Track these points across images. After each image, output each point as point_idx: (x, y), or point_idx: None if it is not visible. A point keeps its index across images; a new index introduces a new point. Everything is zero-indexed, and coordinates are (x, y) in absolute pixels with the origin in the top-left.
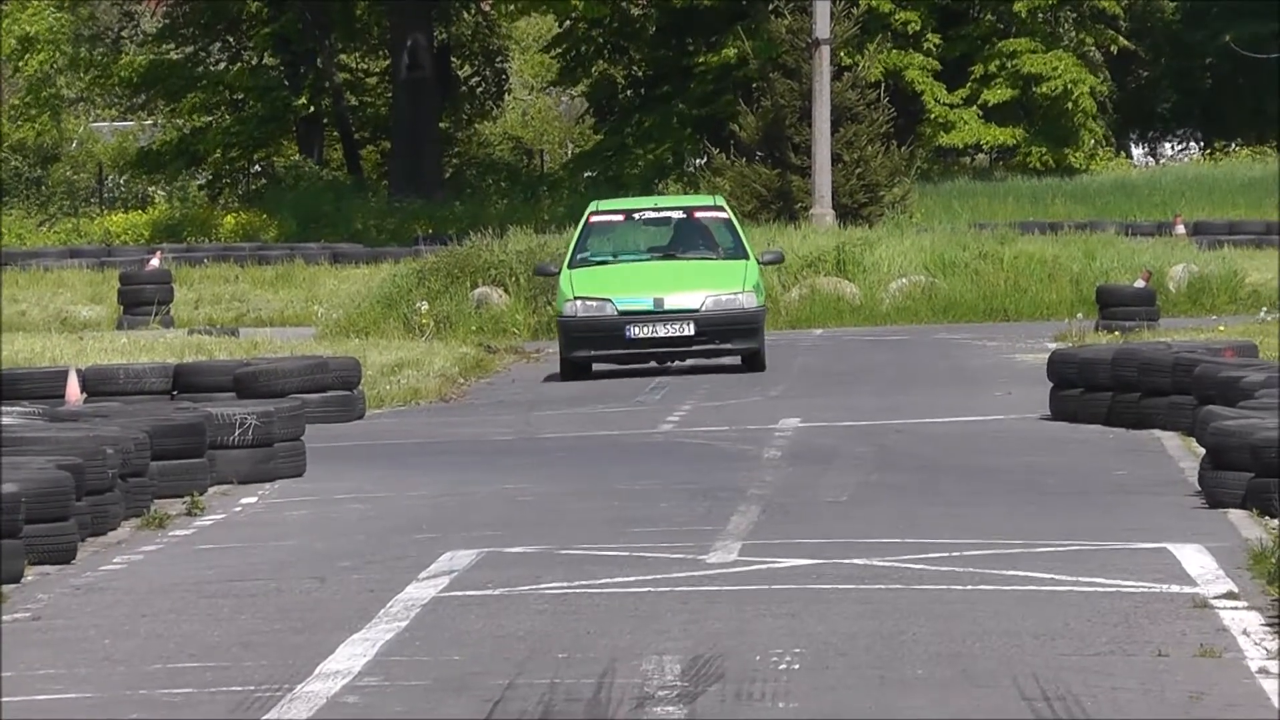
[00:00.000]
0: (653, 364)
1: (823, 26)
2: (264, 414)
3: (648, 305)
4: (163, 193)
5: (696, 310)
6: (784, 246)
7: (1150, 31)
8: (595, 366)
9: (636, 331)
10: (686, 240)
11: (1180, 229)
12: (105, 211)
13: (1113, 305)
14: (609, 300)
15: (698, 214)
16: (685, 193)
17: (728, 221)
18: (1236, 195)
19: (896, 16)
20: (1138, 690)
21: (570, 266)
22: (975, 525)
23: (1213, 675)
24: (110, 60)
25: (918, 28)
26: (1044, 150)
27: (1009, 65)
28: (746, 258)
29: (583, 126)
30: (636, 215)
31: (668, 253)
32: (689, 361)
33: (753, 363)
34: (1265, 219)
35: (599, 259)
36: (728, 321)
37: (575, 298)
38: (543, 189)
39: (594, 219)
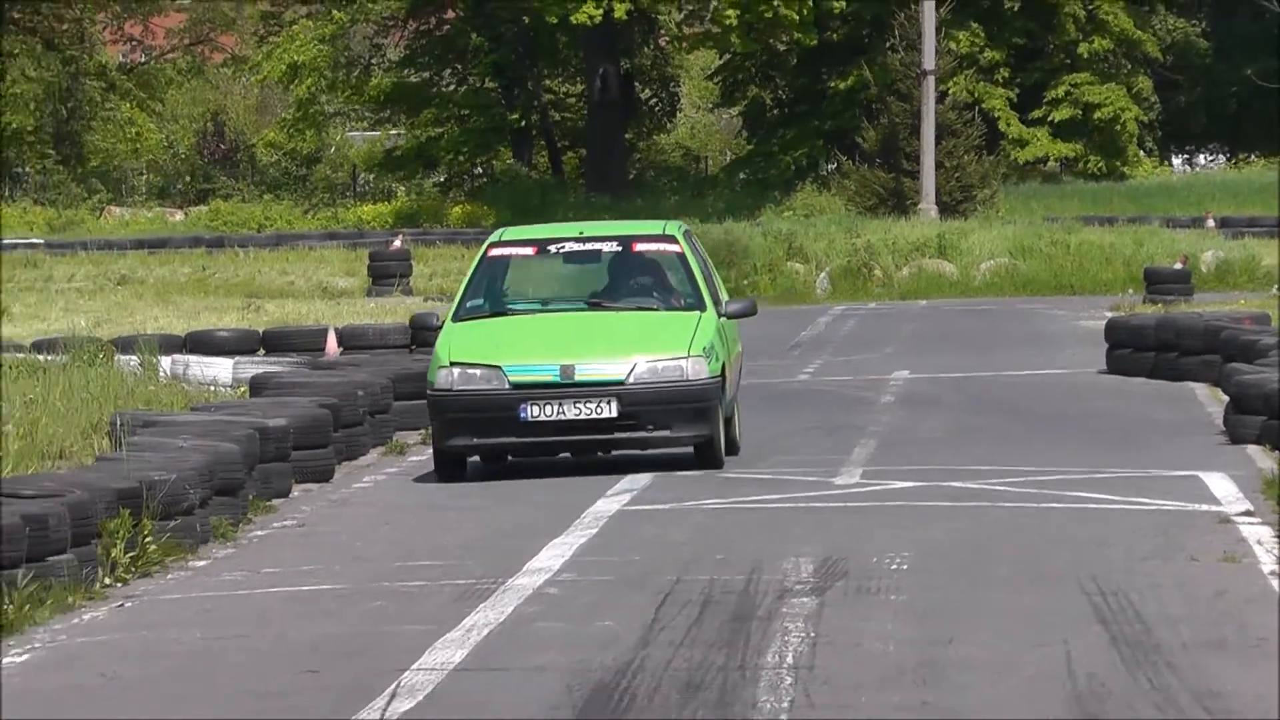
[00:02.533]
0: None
1: (929, 61)
2: None
3: (552, 375)
4: (403, 188)
5: (621, 383)
6: (897, 236)
7: (1188, 66)
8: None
9: (535, 412)
10: (621, 283)
11: (1210, 223)
12: (357, 202)
13: (1156, 283)
14: (497, 368)
15: (640, 247)
16: (819, 194)
17: (681, 257)
18: (1255, 196)
19: (985, 55)
20: (1173, 588)
21: (455, 319)
22: (1045, 457)
23: (1234, 577)
24: (362, 82)
25: (999, 60)
26: (1100, 160)
27: (1073, 93)
28: (703, 308)
29: (738, 139)
30: (552, 248)
31: (593, 300)
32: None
33: (705, 455)
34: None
35: (494, 309)
36: (665, 399)
37: (452, 363)
38: (706, 187)
39: (493, 252)
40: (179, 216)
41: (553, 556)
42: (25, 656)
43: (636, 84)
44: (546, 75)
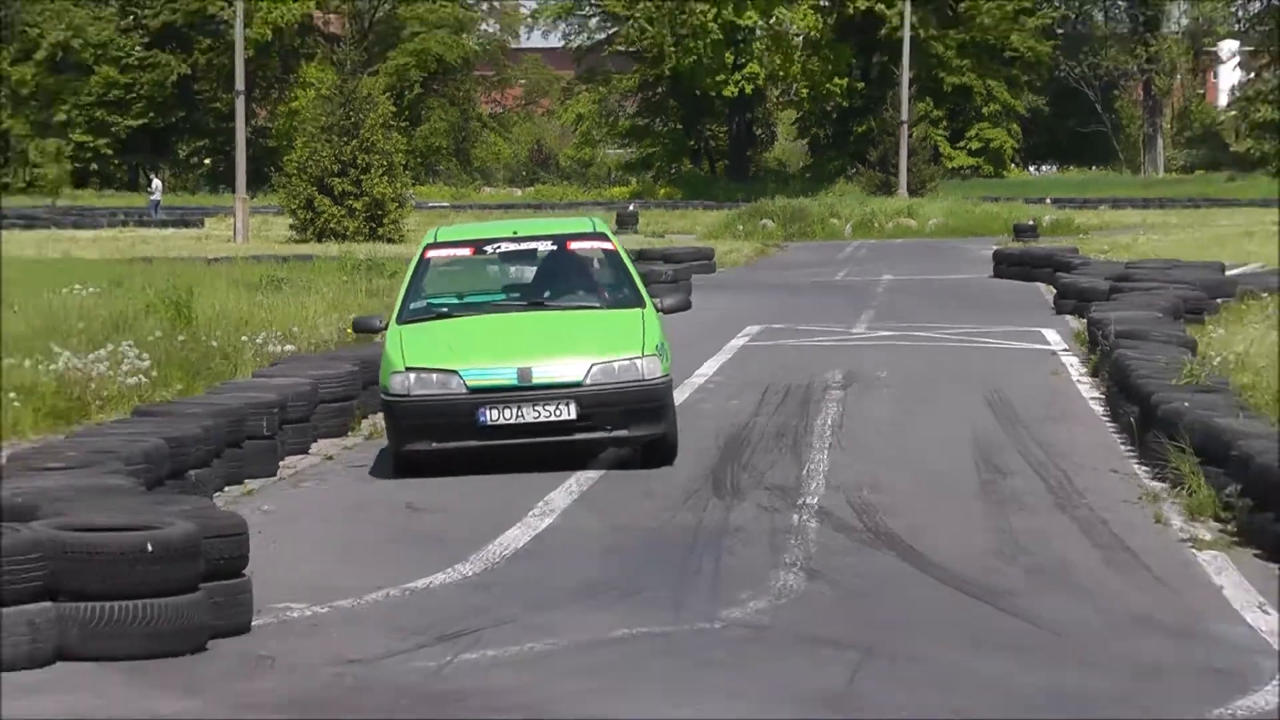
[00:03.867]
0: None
1: (905, 115)
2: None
3: (509, 379)
4: (634, 178)
5: (579, 384)
6: (886, 206)
7: (1037, 116)
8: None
9: (494, 416)
10: (560, 282)
11: (1048, 201)
12: (610, 187)
13: (1020, 232)
14: (454, 373)
15: (573, 245)
16: (847, 184)
17: (614, 254)
18: (1070, 188)
19: (933, 113)
20: (1027, 388)
21: (399, 321)
22: (962, 319)
23: (1058, 383)
24: (614, 123)
25: (941, 116)
26: (991, 168)
27: (979, 133)
28: (643, 305)
29: (805, 155)
30: (489, 248)
31: (535, 300)
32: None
33: (658, 449)
34: (1087, 195)
35: (439, 310)
36: (622, 400)
37: (408, 368)
38: (789, 180)
39: (430, 254)
40: (519, 193)
41: (709, 370)
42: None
43: (753, 125)
44: (708, 121)
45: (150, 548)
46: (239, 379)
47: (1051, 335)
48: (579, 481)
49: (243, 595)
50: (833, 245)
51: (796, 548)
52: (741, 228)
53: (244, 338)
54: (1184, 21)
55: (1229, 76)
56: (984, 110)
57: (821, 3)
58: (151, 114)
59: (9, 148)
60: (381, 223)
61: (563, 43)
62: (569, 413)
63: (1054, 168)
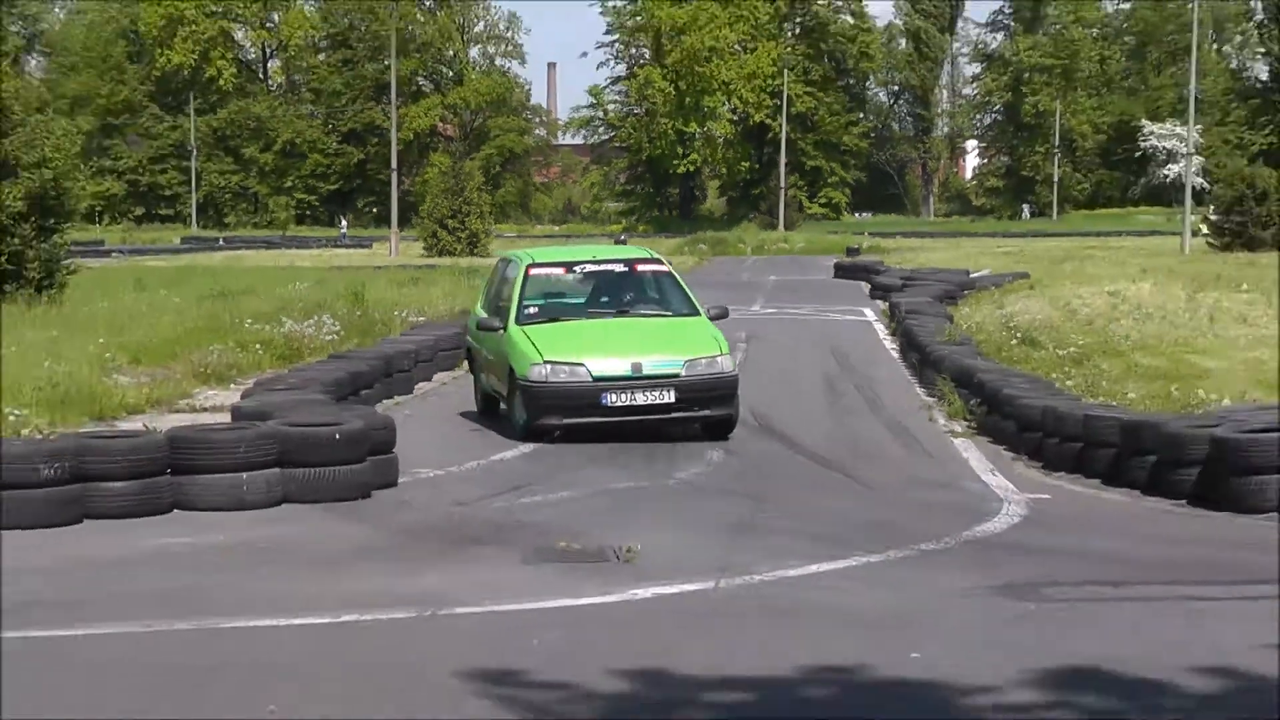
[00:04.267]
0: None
1: (784, 181)
2: None
3: (626, 370)
4: (621, 223)
5: (676, 376)
6: (774, 237)
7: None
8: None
9: (613, 399)
10: (633, 295)
11: (867, 234)
12: (597, 226)
13: (850, 252)
14: (582, 365)
15: (640, 267)
16: (749, 224)
17: (670, 275)
18: (882, 226)
19: (800, 182)
20: (855, 343)
21: (517, 322)
22: (815, 303)
23: (872, 342)
24: (611, 188)
25: (798, 183)
26: (834, 215)
27: (827, 194)
28: (698, 314)
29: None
30: (576, 268)
31: (620, 309)
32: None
33: (724, 425)
34: (888, 230)
35: (548, 315)
36: (709, 388)
37: (546, 361)
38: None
39: (532, 271)
40: (556, 229)
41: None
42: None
43: (694, 189)
44: (668, 187)
45: (337, 436)
46: (392, 336)
47: (868, 312)
48: None
49: (392, 464)
50: (739, 260)
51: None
52: (687, 249)
53: (395, 312)
54: (946, 129)
55: (972, 160)
56: (829, 180)
57: (733, 118)
58: (341, 181)
59: (258, 201)
60: (475, 245)
61: (583, 140)
62: (669, 397)
63: (870, 214)
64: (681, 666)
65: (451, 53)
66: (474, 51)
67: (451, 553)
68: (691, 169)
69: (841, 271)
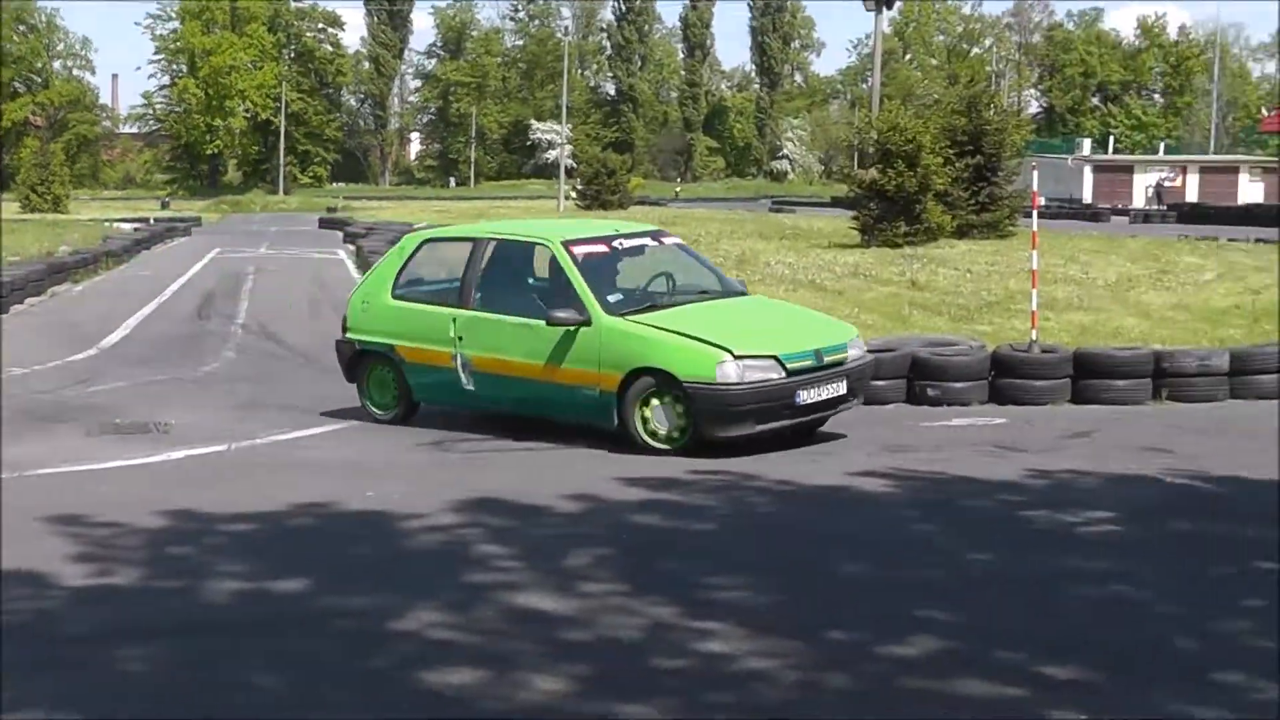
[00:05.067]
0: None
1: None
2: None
3: (811, 361)
4: None
5: (844, 365)
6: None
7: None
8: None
9: (805, 396)
10: (688, 276)
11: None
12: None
13: (331, 210)
14: (775, 358)
15: (663, 239)
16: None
17: (689, 248)
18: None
19: None
20: (330, 272)
21: (608, 313)
22: (304, 246)
23: (343, 272)
24: None
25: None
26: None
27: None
28: (744, 292)
29: None
30: (615, 244)
31: (701, 291)
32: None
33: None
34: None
35: (638, 303)
36: (864, 374)
37: (738, 357)
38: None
39: (575, 250)
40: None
41: (191, 273)
42: None
43: None
44: None
45: None
46: None
47: (341, 253)
48: None
49: None
50: (250, 216)
51: (233, 341)
52: (213, 209)
53: None
54: (397, 124)
55: (415, 147)
56: (315, 160)
57: (247, 116)
58: None
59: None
60: (58, 205)
61: (139, 130)
62: (843, 388)
63: (344, 184)
64: (205, 506)
65: (40, 64)
66: (57, 64)
67: (35, 428)
68: (216, 151)
69: (324, 224)
